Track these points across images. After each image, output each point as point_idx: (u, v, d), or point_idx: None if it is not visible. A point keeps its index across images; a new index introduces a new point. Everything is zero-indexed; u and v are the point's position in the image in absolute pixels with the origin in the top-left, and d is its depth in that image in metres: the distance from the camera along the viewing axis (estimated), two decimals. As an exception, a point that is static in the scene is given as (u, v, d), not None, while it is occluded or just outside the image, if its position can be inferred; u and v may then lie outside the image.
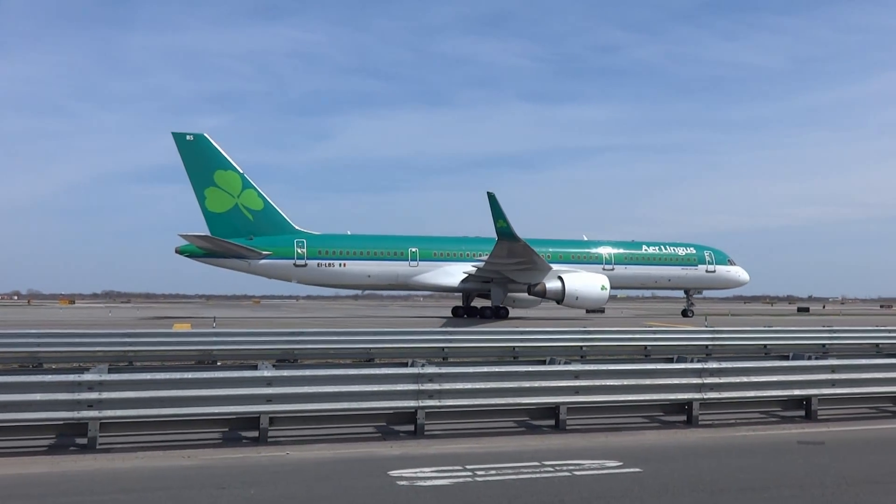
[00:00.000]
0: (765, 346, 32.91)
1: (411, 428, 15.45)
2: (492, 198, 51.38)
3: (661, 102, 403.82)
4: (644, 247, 68.91)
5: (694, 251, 69.87)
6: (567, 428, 16.13)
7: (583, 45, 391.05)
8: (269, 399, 14.42)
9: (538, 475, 11.79)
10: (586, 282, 59.93)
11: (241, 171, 61.31)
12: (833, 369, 18.21)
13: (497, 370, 16.06)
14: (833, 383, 18.00)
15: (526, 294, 61.75)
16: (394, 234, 66.28)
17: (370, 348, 28.97)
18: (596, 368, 16.79)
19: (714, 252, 70.55)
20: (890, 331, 37.09)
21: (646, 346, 31.24)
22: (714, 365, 17.30)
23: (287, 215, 63.07)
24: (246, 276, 62.93)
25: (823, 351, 32.41)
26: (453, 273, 63.59)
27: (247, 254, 60.23)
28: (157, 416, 14.06)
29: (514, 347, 30.23)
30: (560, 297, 59.08)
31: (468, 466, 12.30)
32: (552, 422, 16.33)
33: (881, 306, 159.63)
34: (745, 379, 17.24)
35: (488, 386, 15.56)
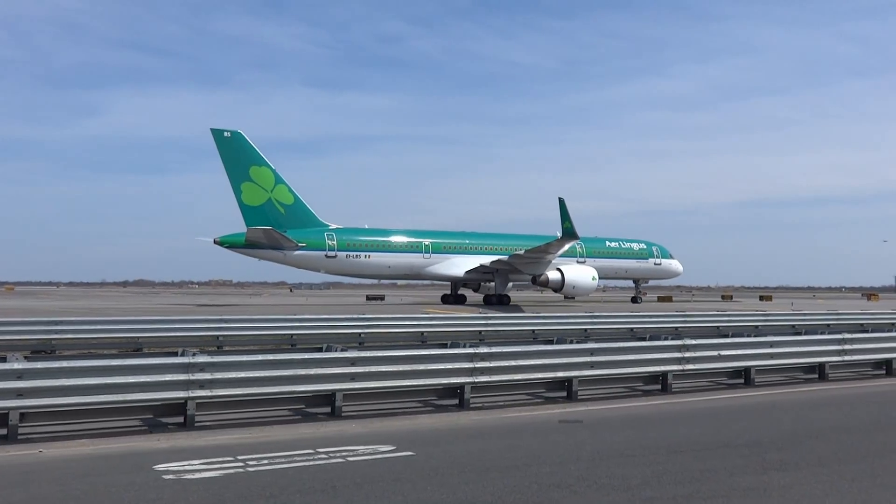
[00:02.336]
0: (533, 331, 34.77)
1: (181, 420, 14.87)
2: (562, 202, 60.85)
3: (441, 95, 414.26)
4: (607, 242, 79.97)
5: (645, 246, 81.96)
6: (343, 415, 16.20)
7: (365, 34, 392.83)
8: (19, 393, 13.31)
9: (311, 463, 11.76)
10: (581, 273, 70.64)
11: (273, 168, 66.17)
12: (591, 352, 19.57)
13: (272, 358, 15.80)
14: (591, 365, 19.33)
15: (505, 283, 71.98)
16: (408, 228, 73.79)
17: (138, 337, 27.57)
18: (372, 355, 16.97)
19: (659, 248, 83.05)
20: (641, 316, 40.46)
21: (422, 333, 32.00)
22: (485, 350, 18.03)
23: (314, 209, 68.67)
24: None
25: (585, 335, 34.73)
26: (459, 264, 71.80)
27: (285, 245, 64.93)
28: None
29: (291, 335, 29.93)
30: (559, 287, 69.46)
31: (240, 457, 12.03)
32: (328, 409, 16.34)
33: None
34: (512, 363, 18.12)
35: (263, 374, 15.28)
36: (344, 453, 12.38)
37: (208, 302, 72.68)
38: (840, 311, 49.10)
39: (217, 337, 28.71)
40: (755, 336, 26.07)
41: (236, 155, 64.96)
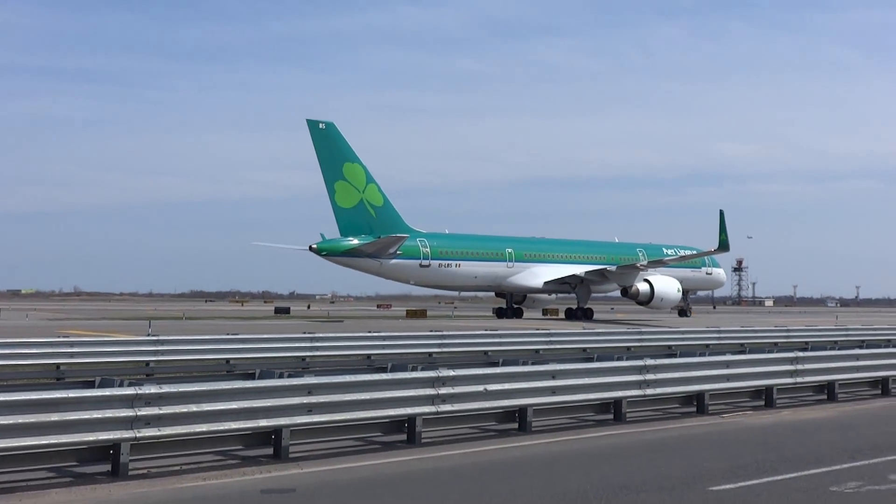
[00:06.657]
0: (227, 360, 34.20)
1: None
2: (721, 215, 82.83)
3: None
4: (664, 249, 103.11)
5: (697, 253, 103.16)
6: None
7: None
8: None
9: None
10: (669, 285, 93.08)
11: (364, 164, 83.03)
12: (310, 390, 19.50)
13: None
14: (310, 409, 19.30)
15: (545, 296, 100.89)
16: (487, 234, 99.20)
17: None
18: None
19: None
20: (384, 337, 41.02)
21: (57, 366, 30.53)
22: (153, 390, 17.39)
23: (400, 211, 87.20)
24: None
25: (304, 366, 34.44)
26: (539, 274, 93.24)
27: (386, 253, 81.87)
28: None
29: None
30: (648, 299, 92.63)
31: None
32: None
33: (378, 306, 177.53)
34: (195, 408, 17.63)
35: None
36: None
37: None
38: (644, 330, 52.90)
39: None
40: (533, 364, 27.25)
41: (331, 149, 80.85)
